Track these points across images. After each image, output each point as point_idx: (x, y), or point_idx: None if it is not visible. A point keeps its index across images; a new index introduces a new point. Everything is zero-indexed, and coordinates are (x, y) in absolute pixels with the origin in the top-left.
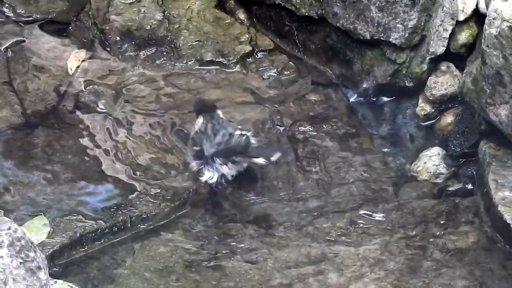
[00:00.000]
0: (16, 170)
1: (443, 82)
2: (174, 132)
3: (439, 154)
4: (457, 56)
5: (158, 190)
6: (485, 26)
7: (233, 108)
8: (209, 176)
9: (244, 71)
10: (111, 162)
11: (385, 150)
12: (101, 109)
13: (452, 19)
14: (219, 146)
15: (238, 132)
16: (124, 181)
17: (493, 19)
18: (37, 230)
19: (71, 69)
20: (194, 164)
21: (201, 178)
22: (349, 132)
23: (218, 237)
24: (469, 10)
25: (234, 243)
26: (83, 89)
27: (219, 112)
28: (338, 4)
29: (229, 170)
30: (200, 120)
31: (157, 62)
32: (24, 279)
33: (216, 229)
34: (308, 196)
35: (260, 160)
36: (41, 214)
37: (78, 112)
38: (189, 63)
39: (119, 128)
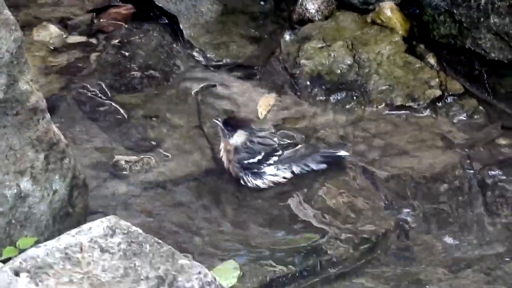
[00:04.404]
0: (205, 213)
1: None
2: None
3: None
4: None
5: (349, 235)
6: None
7: (422, 152)
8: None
9: (433, 115)
10: (301, 206)
11: None
12: None
13: None
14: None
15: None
16: (314, 225)
17: None
18: (227, 274)
19: (261, 114)
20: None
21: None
22: None
23: (408, 282)
24: None
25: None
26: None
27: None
28: None
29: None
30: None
31: (347, 106)
32: None
33: (405, 273)
34: (496, 240)
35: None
36: (232, 259)
37: None
38: (379, 107)
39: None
